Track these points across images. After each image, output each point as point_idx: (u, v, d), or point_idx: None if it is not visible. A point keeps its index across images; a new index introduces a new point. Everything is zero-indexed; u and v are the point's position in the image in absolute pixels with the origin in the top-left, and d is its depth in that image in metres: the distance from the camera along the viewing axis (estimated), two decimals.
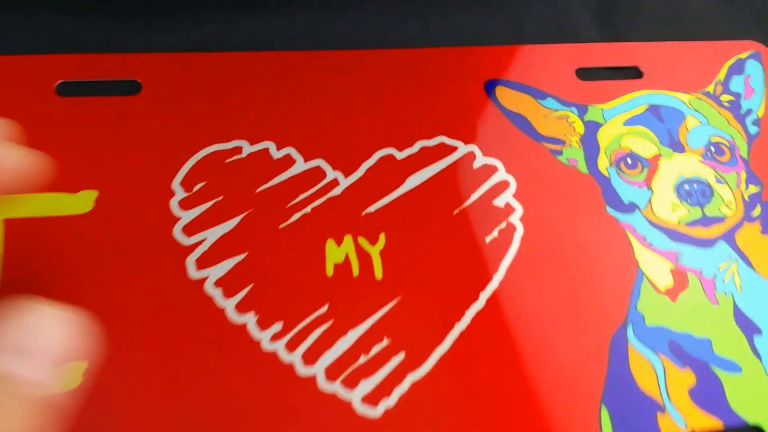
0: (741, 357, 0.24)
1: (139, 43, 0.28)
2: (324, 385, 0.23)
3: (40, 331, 0.16)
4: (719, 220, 0.26)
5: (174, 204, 0.25)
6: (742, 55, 0.31)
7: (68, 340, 0.16)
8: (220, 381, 0.23)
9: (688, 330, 0.24)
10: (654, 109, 0.29)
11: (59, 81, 0.27)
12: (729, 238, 0.26)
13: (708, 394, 0.23)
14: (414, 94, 0.29)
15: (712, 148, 0.28)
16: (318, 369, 0.23)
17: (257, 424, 0.23)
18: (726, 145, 0.28)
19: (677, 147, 0.28)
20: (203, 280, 0.24)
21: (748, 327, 0.24)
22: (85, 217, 0.25)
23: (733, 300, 0.25)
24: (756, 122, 0.29)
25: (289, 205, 0.26)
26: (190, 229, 0.25)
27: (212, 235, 0.25)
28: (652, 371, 0.23)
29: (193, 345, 0.24)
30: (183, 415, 0.22)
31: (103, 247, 0.24)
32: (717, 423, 0.23)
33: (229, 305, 0.24)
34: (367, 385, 0.23)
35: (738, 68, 0.30)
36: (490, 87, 0.29)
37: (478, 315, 0.25)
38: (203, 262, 0.24)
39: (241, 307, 0.24)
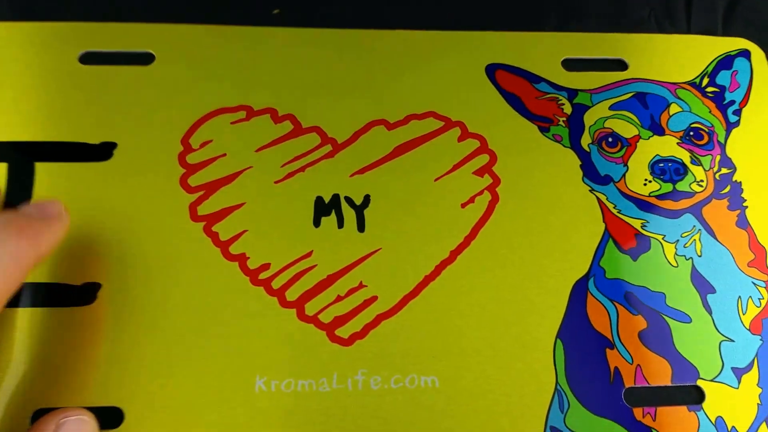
0: (692, 311, 0.36)
1: (153, 15, 0.41)
2: (303, 318, 0.37)
3: None
4: (689, 195, 0.38)
5: (181, 158, 0.38)
6: (732, 52, 0.43)
7: None
8: (211, 310, 0.37)
9: (644, 284, 0.36)
10: (640, 96, 0.41)
11: (82, 51, 0.41)
12: (696, 211, 0.38)
13: (656, 337, 0.36)
14: (411, 72, 0.44)
15: (691, 133, 0.40)
16: (298, 305, 0.36)
17: (241, 347, 0.36)
18: (705, 131, 0.40)
19: (657, 130, 0.40)
20: (202, 224, 0.36)
21: (703, 286, 0.36)
22: (105, 164, 0.39)
23: (692, 263, 0.37)
24: (737, 112, 0.41)
25: (285, 164, 0.38)
26: (194, 180, 0.38)
27: (213, 186, 0.37)
28: (606, 315, 0.36)
29: (188, 278, 0.38)
30: (176, 338, 0.36)
31: (119, 191, 0.39)
32: (662, 361, 0.34)
33: (223, 247, 0.36)
34: (341, 320, 0.37)
35: (726, 64, 0.43)
36: (490, 70, 0.41)
37: (448, 270, 0.38)
38: (204, 209, 0.37)
39: (235, 249, 0.36)
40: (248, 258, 0.38)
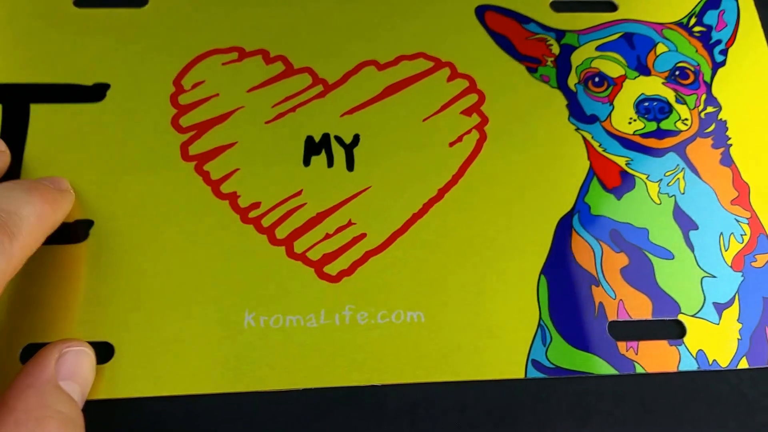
0: (675, 247, 0.34)
1: None
2: (291, 256, 0.35)
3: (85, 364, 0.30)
4: (673, 133, 0.36)
5: (173, 98, 0.36)
6: None
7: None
8: (201, 247, 0.35)
9: (628, 221, 0.35)
10: (627, 37, 0.39)
11: None
12: (680, 149, 0.36)
13: (638, 274, 0.34)
14: (402, 14, 0.42)
15: (677, 72, 0.38)
16: (287, 242, 0.35)
17: (231, 284, 0.35)
18: (691, 70, 0.38)
19: (643, 70, 0.38)
20: (194, 163, 0.34)
21: (685, 223, 0.35)
22: (98, 105, 0.38)
23: (675, 200, 0.35)
24: (723, 52, 0.39)
25: (276, 104, 0.36)
26: (186, 120, 0.36)
27: (205, 126, 0.35)
28: (590, 252, 0.34)
29: (179, 216, 0.36)
30: (166, 275, 0.35)
31: (111, 132, 0.37)
32: (643, 297, 0.33)
33: (214, 185, 0.34)
34: (329, 258, 0.35)
35: (714, 3, 0.41)
36: (480, 11, 0.39)
37: (436, 207, 0.37)
38: (195, 149, 0.35)
39: (226, 188, 0.34)
40: (239, 196, 0.37)
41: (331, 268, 0.35)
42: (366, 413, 0.33)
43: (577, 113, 0.39)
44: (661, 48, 0.41)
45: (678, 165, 0.38)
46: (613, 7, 0.43)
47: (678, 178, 0.38)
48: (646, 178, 0.38)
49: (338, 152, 0.38)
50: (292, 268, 0.35)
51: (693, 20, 0.42)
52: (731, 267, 0.36)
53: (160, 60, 0.39)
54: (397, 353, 0.34)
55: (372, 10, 0.41)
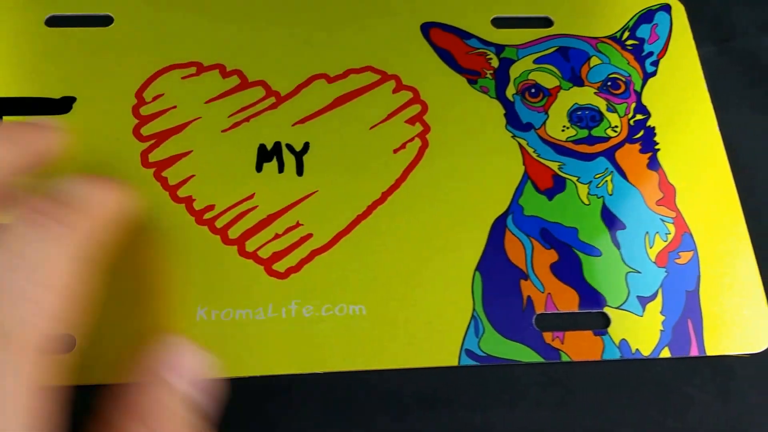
0: (602, 245, 0.36)
1: None
2: (243, 254, 0.37)
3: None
4: (603, 139, 0.38)
5: (135, 110, 0.38)
6: (654, 6, 0.42)
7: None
8: (159, 246, 0.37)
9: (558, 221, 0.36)
10: (563, 50, 0.41)
11: (48, 15, 0.42)
12: (609, 154, 0.38)
13: (566, 269, 0.35)
14: (352, 30, 0.43)
15: (609, 83, 0.39)
16: (239, 242, 0.37)
17: (185, 280, 0.36)
18: (622, 81, 0.39)
19: (577, 81, 0.39)
20: (153, 169, 0.36)
21: (612, 222, 0.36)
22: (65, 117, 0.40)
23: (603, 201, 0.36)
24: (654, 63, 0.41)
25: (231, 115, 0.37)
26: (146, 129, 0.38)
27: (164, 135, 0.37)
28: (521, 248, 0.35)
29: (140, 218, 0.37)
30: (127, 270, 0.36)
31: (77, 141, 0.39)
32: (571, 291, 0.34)
33: (171, 190, 0.35)
34: (278, 256, 0.37)
35: (647, 18, 0.42)
36: (425, 28, 0.40)
37: (379, 209, 0.39)
38: (155, 156, 0.37)
39: (182, 192, 0.36)
40: (194, 200, 0.38)
41: (280, 266, 0.37)
42: (308, 399, 0.34)
43: (514, 122, 0.41)
44: (594, 60, 0.43)
45: (607, 168, 0.39)
46: (549, 23, 0.44)
47: (606, 181, 0.39)
48: (577, 180, 0.39)
49: (289, 159, 0.39)
50: (243, 265, 0.37)
51: (626, 34, 0.44)
52: (655, 263, 0.37)
53: (124, 74, 0.41)
54: (339, 343, 0.35)
55: (323, 27, 0.43)
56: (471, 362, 0.35)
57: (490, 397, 0.35)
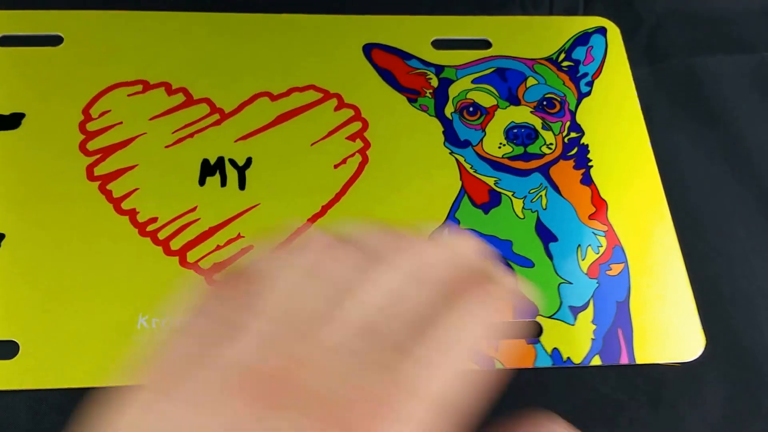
0: (535, 257, 0.35)
1: (62, 2, 0.40)
2: (184, 265, 0.36)
3: None
4: (538, 156, 0.38)
5: (81, 126, 0.38)
6: (590, 29, 0.42)
7: None
8: (100, 257, 0.36)
9: (494, 233, 0.35)
10: (500, 71, 0.41)
11: (1, 34, 0.42)
12: (544, 170, 0.37)
13: None
14: (295, 50, 0.43)
15: (545, 102, 0.39)
16: (180, 253, 0.36)
17: (127, 290, 0.35)
18: (557, 100, 0.39)
19: (514, 101, 0.39)
20: (98, 183, 0.35)
21: (546, 235, 0.36)
22: (14, 132, 0.39)
23: (538, 215, 0.36)
24: (589, 83, 0.41)
25: (176, 131, 0.37)
26: (92, 144, 0.37)
27: (109, 150, 0.36)
28: None
29: (82, 230, 0.37)
30: (68, 282, 0.35)
31: (26, 154, 0.38)
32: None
33: (115, 203, 0.35)
34: (219, 267, 0.36)
35: (583, 40, 0.42)
36: (367, 48, 0.40)
37: (319, 222, 0.38)
38: (100, 170, 0.36)
39: (127, 204, 0.35)
40: (138, 212, 0.37)
41: (220, 276, 0.36)
42: None
43: (452, 139, 0.40)
44: (531, 81, 0.43)
45: (541, 184, 0.39)
46: (488, 45, 0.44)
47: (540, 195, 0.39)
48: (512, 195, 0.39)
49: (231, 173, 0.39)
50: (185, 276, 0.36)
51: (562, 56, 0.44)
52: (587, 275, 0.37)
53: (72, 92, 0.40)
54: None
55: (267, 47, 0.43)
56: None
57: None
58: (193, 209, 0.38)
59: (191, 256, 0.36)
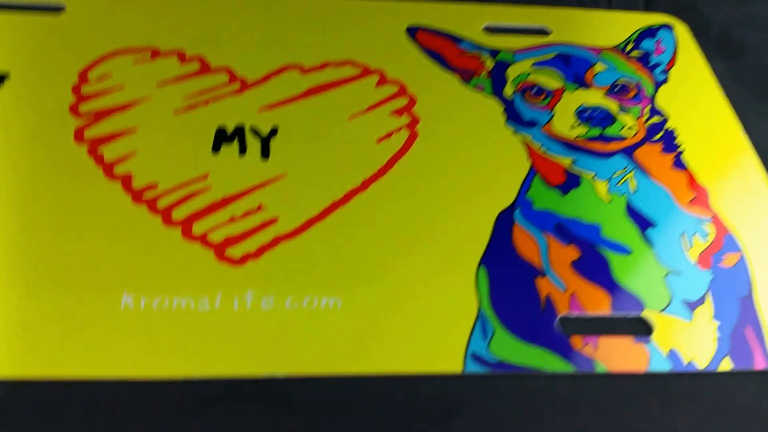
0: (631, 242, 0.28)
1: None
2: (188, 237, 0.27)
3: None
4: (619, 138, 0.30)
5: (75, 88, 0.32)
6: (655, 25, 0.35)
7: None
8: (83, 225, 0.27)
9: (576, 216, 0.27)
10: (563, 57, 0.34)
11: None
12: (627, 153, 0.30)
13: (591, 267, 0.27)
14: (330, 24, 0.36)
15: (618, 87, 0.32)
16: (184, 224, 0.28)
17: (109, 263, 0.26)
18: (632, 86, 0.32)
19: (582, 84, 0.32)
20: (86, 145, 0.28)
21: (640, 221, 0.28)
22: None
23: (627, 198, 0.29)
24: (664, 72, 0.34)
25: (187, 97, 0.29)
26: (84, 107, 0.31)
27: (104, 113, 0.30)
28: (534, 244, 0.26)
29: (63, 197, 0.28)
30: (44, 251, 0.26)
31: (10, 115, 0.30)
32: (599, 290, 0.25)
33: (107, 167, 0.27)
34: (233, 240, 0.27)
35: (650, 33, 0.36)
36: (412, 31, 0.34)
37: (359, 197, 0.30)
38: (91, 132, 0.30)
39: (120, 169, 0.27)
40: (133, 178, 0.29)
41: (235, 251, 0.27)
42: (263, 409, 0.23)
43: (515, 118, 0.33)
44: (599, 67, 0.35)
45: (626, 166, 0.31)
46: (546, 33, 0.37)
47: (628, 178, 0.31)
48: (593, 177, 0.31)
49: (253, 143, 0.31)
50: (187, 249, 0.27)
51: (630, 45, 0.37)
52: (698, 265, 0.28)
53: (69, 55, 0.33)
54: (307, 341, 0.25)
55: (299, 22, 0.36)
56: (479, 369, 0.25)
57: (503, 412, 0.24)
58: (204, 177, 0.29)
59: (198, 227, 0.28)
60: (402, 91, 0.34)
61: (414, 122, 0.32)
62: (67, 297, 0.25)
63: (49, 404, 0.23)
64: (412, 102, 0.33)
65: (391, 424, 0.23)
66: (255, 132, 0.31)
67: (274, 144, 0.31)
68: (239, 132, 0.31)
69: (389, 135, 0.32)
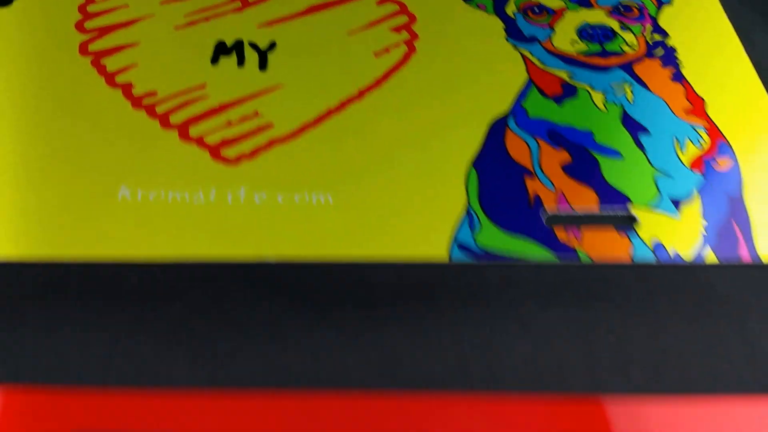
0: (623, 147, 0.28)
1: None
2: (184, 138, 0.28)
3: None
4: (618, 53, 0.30)
5: (82, 7, 0.33)
6: None
7: None
8: (85, 131, 0.28)
9: (570, 123, 0.27)
10: None
11: None
12: (626, 67, 0.30)
13: (582, 169, 0.28)
14: None
15: (621, 8, 0.32)
16: (181, 127, 0.29)
17: (107, 159, 0.27)
18: (635, 6, 0.32)
19: (585, 4, 0.31)
20: (91, 57, 0.29)
21: (634, 127, 0.28)
22: (8, 9, 0.32)
23: (622, 108, 0.29)
24: None
25: (189, 14, 0.30)
26: (90, 24, 0.32)
27: (108, 29, 0.30)
28: (526, 148, 0.27)
29: (65, 103, 0.29)
30: (49, 148, 0.28)
31: (18, 32, 0.32)
32: (588, 190, 0.25)
33: (109, 76, 0.28)
34: (228, 142, 0.28)
35: None
36: None
37: (355, 106, 0.30)
38: (95, 46, 0.31)
39: (121, 78, 0.28)
40: (133, 86, 0.29)
41: (230, 152, 0.28)
42: (252, 290, 0.24)
43: (516, 35, 0.33)
44: None
45: (624, 79, 0.31)
46: None
47: (625, 90, 0.31)
48: (590, 87, 0.31)
49: (251, 55, 0.31)
50: (184, 149, 0.28)
51: None
52: (690, 168, 0.28)
53: None
54: (296, 229, 0.26)
55: None
56: (465, 257, 0.25)
57: (488, 299, 0.24)
58: (202, 86, 0.30)
59: (195, 130, 0.28)
60: (403, 9, 0.34)
61: (413, 38, 0.33)
62: (66, 186, 0.26)
63: (47, 284, 0.24)
64: (413, 19, 0.34)
65: (377, 308, 0.24)
66: (254, 46, 0.32)
67: (273, 57, 0.31)
68: (238, 46, 0.32)
69: (387, 50, 0.32)
